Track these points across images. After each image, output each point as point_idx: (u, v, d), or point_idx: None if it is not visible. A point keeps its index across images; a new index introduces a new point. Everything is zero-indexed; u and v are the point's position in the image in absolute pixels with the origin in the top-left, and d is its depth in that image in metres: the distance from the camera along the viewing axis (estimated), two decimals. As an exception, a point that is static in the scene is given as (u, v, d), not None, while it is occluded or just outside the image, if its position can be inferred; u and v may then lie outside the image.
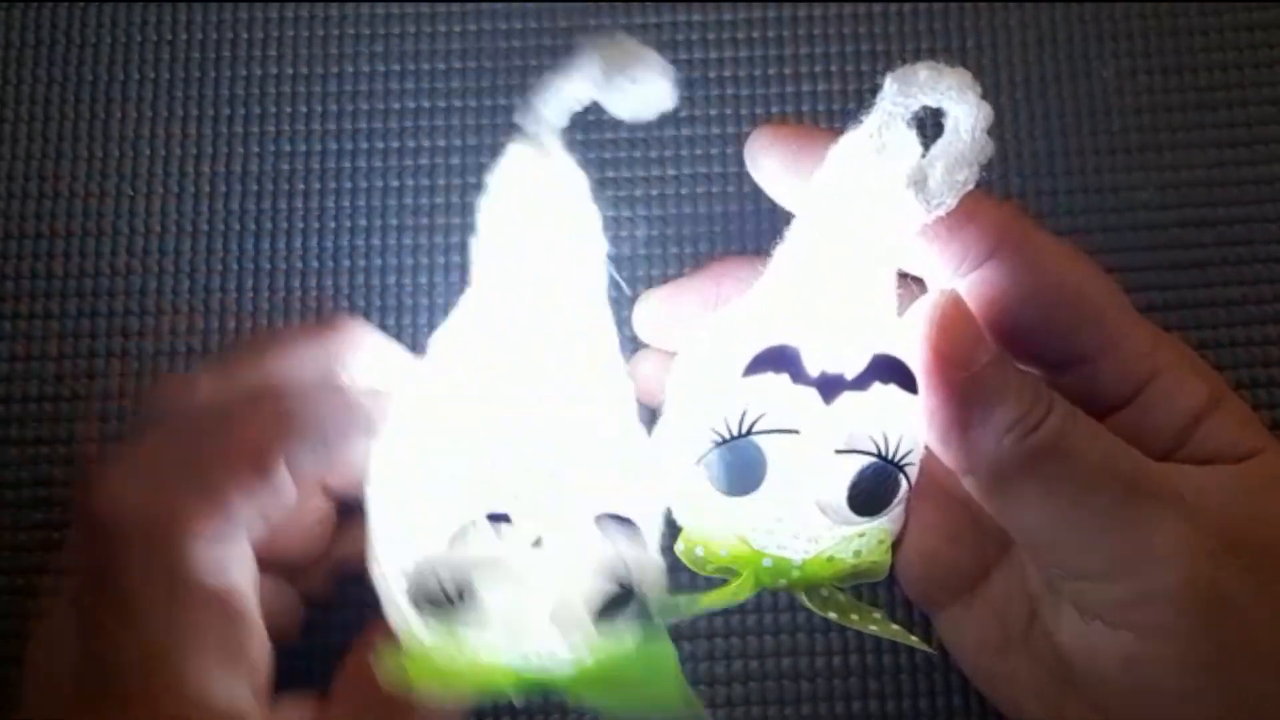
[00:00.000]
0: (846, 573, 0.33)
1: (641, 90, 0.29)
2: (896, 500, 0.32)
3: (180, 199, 0.43)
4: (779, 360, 0.31)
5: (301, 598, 0.36)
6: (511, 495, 0.28)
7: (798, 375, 0.31)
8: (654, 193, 0.43)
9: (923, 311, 0.31)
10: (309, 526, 0.35)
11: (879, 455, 0.31)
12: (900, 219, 0.30)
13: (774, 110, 0.44)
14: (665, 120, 0.43)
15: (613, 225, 0.43)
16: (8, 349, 0.42)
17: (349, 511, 0.35)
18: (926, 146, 0.30)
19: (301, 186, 0.43)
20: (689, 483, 0.33)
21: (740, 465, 0.31)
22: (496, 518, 0.28)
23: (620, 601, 0.29)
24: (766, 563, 0.33)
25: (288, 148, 0.43)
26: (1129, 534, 0.31)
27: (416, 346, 0.42)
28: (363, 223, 0.43)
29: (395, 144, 0.43)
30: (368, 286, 0.42)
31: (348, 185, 0.43)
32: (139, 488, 0.30)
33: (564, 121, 0.29)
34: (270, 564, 0.33)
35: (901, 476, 0.32)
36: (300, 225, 0.43)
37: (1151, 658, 0.31)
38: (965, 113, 0.29)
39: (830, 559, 0.33)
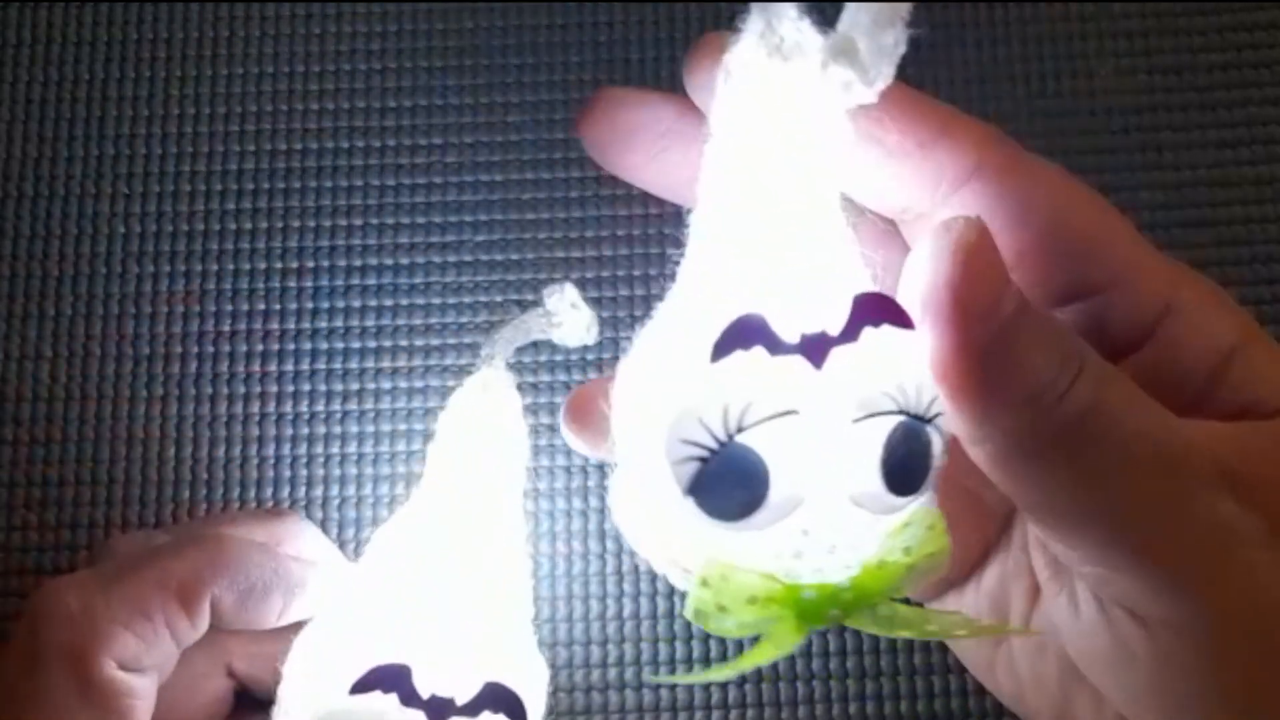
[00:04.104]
0: (904, 577, 0.26)
1: (577, 315, 0.34)
2: (936, 465, 0.26)
3: (175, 198, 0.43)
4: (749, 333, 0.24)
5: None
6: (412, 649, 0.31)
7: (775, 345, 0.24)
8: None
9: (937, 241, 0.25)
10: (204, 704, 0.36)
11: (905, 412, 0.25)
12: (834, 117, 0.26)
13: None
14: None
15: (610, 225, 0.43)
16: (1, 348, 0.42)
17: (244, 706, 0.36)
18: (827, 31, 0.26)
19: (297, 185, 0.43)
20: (678, 527, 0.26)
21: (739, 477, 0.24)
22: (397, 668, 0.30)
23: None
24: (808, 595, 0.26)
25: (283, 146, 0.43)
26: (1170, 516, 0.26)
27: (410, 359, 0.42)
28: (358, 222, 0.43)
29: (392, 142, 0.43)
30: (363, 286, 0.42)
31: (344, 184, 0.43)
32: (77, 595, 0.32)
33: (511, 357, 0.34)
34: None
35: (933, 431, 0.25)
36: (295, 224, 0.43)
37: (1186, 656, 0.27)
38: None
39: (881, 565, 0.26)
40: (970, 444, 0.27)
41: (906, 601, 0.27)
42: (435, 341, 0.42)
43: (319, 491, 0.41)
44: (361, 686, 0.30)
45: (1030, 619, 0.31)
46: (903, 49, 0.25)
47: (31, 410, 0.41)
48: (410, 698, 0.30)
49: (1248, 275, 0.42)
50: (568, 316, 0.34)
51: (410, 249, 0.43)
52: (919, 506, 0.26)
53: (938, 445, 0.26)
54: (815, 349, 0.24)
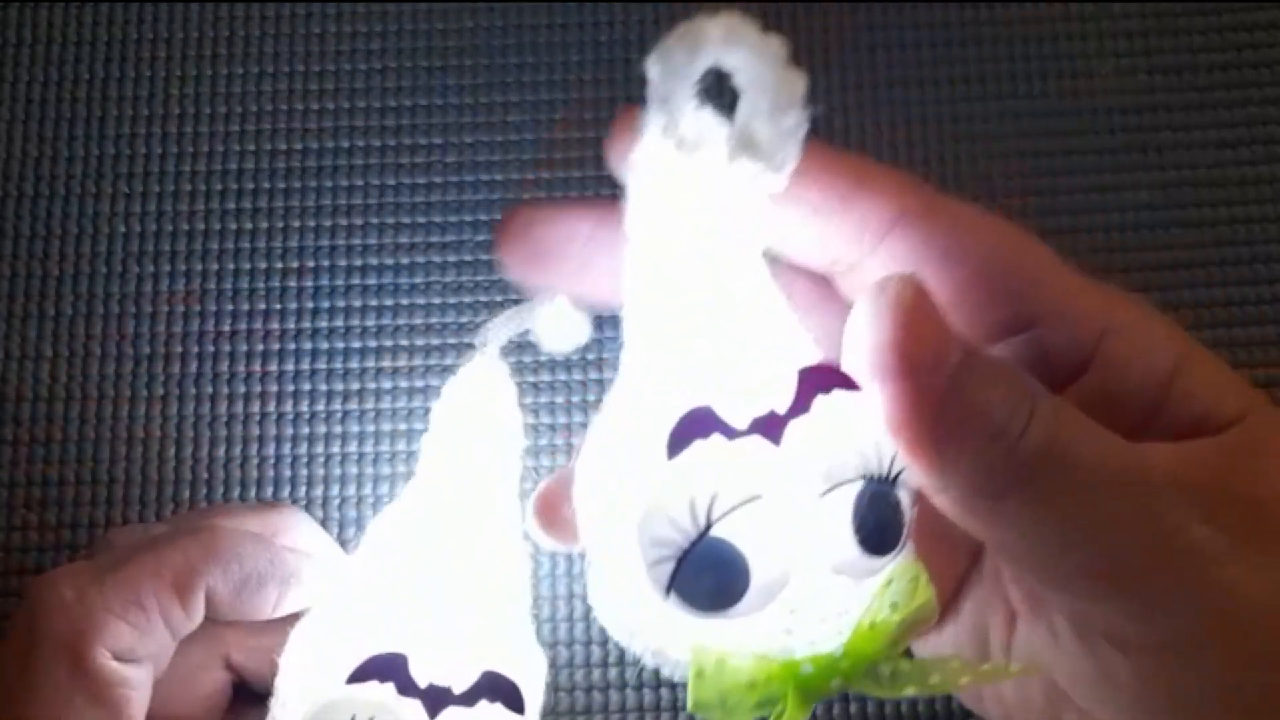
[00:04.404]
0: (896, 634, 0.27)
1: (567, 323, 0.32)
2: (908, 520, 0.27)
3: (175, 198, 0.43)
4: (702, 423, 0.25)
5: None
6: (409, 638, 0.31)
7: (730, 430, 0.25)
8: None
9: (875, 303, 0.26)
10: (202, 696, 0.35)
11: (869, 477, 0.25)
12: (748, 203, 0.26)
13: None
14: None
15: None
16: (2, 348, 0.42)
17: (243, 699, 0.36)
18: (729, 115, 0.26)
19: (297, 185, 0.43)
20: (664, 622, 0.26)
21: (718, 569, 0.24)
22: (394, 657, 0.30)
23: None
24: (806, 669, 0.26)
25: (283, 146, 0.43)
26: (1139, 542, 0.26)
27: (410, 359, 0.42)
28: (358, 222, 0.43)
29: (392, 142, 0.43)
30: (363, 286, 0.42)
31: (344, 183, 0.43)
32: (72, 584, 0.32)
33: (504, 345, 0.33)
34: None
35: (899, 489, 0.26)
36: (295, 224, 0.43)
37: (1168, 676, 0.27)
38: (751, 57, 0.24)
39: (872, 626, 0.26)
40: (934, 493, 0.27)
41: (906, 654, 0.27)
42: (435, 341, 0.42)
43: (319, 491, 0.41)
44: (358, 676, 0.30)
45: (1010, 646, 0.31)
46: (805, 128, 0.25)
47: (31, 410, 0.41)
48: (407, 687, 0.30)
49: (1248, 275, 0.42)
50: (559, 325, 0.34)
51: (410, 249, 0.43)
52: (899, 563, 0.27)
53: (906, 501, 0.26)
54: (771, 427, 0.25)
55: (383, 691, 0.30)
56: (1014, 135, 0.44)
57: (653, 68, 0.25)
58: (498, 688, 0.31)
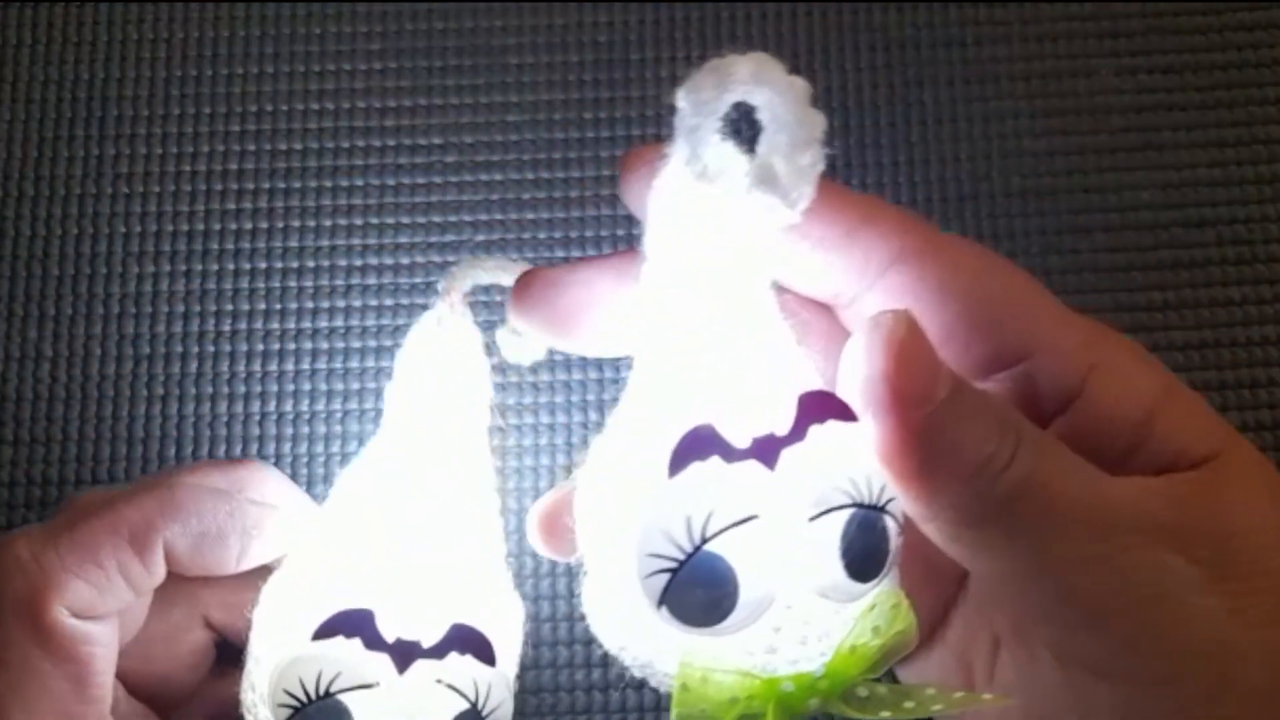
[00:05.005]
0: (876, 658, 0.28)
1: (525, 340, 0.33)
2: (893, 549, 0.28)
3: (175, 197, 0.43)
4: (702, 443, 0.26)
5: None
6: (376, 592, 0.30)
7: (728, 453, 0.26)
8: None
9: (869, 337, 0.27)
10: (184, 655, 0.36)
11: (858, 504, 0.26)
12: (761, 234, 0.27)
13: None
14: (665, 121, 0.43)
15: (610, 225, 0.43)
16: (2, 348, 0.42)
17: (229, 658, 0.35)
18: (751, 149, 0.27)
19: (297, 184, 0.43)
20: (654, 635, 0.27)
21: (709, 584, 0.25)
22: (360, 612, 0.30)
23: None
24: (786, 687, 0.27)
25: (283, 146, 0.43)
26: (1115, 574, 0.27)
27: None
28: (358, 222, 0.43)
29: (391, 142, 0.43)
30: (363, 286, 0.42)
31: (343, 183, 0.43)
32: (28, 545, 0.32)
33: (468, 292, 0.34)
34: (142, 690, 0.35)
35: (887, 517, 0.27)
36: (296, 224, 0.43)
37: (1143, 706, 0.28)
38: (775, 96, 0.26)
39: (853, 649, 0.27)
40: (921, 521, 0.28)
41: (886, 677, 0.28)
42: (435, 341, 0.42)
43: (319, 491, 0.41)
44: (324, 632, 0.30)
45: (993, 672, 0.32)
46: (821, 167, 0.26)
47: (31, 410, 0.41)
48: (374, 642, 0.30)
49: (1248, 275, 0.42)
50: (517, 341, 0.34)
51: (410, 249, 0.43)
52: (882, 589, 0.28)
53: (893, 529, 0.27)
54: (767, 452, 0.26)
55: (349, 647, 0.30)
56: (1014, 135, 0.44)
57: (682, 100, 0.26)
58: (467, 640, 0.30)
